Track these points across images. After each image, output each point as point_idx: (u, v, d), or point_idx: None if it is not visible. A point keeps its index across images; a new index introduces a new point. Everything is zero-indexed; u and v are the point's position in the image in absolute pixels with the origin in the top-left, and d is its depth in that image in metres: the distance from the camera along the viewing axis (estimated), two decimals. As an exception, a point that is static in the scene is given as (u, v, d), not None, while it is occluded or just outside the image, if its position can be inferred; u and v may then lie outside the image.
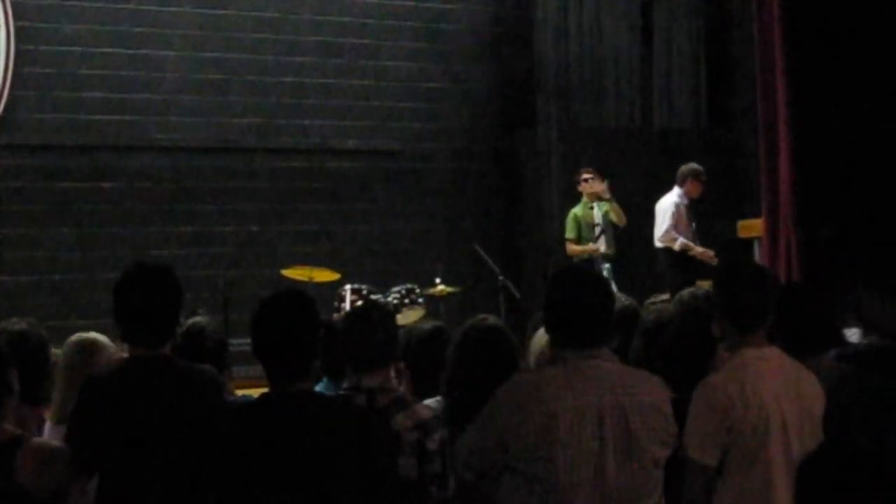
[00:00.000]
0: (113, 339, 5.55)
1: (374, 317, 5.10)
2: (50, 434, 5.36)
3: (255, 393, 4.93)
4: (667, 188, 13.09)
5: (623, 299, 7.00)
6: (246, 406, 4.69)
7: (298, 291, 4.53)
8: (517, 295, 12.89)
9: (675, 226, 12.79)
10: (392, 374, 5.12)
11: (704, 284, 7.80)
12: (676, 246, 12.66)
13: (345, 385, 5.00)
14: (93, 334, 5.85)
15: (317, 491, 4.10)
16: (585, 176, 13.26)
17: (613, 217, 13.13)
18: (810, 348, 5.40)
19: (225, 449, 4.23)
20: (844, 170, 10.11)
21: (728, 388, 4.78)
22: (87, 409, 4.64)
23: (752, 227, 12.26)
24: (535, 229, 15.18)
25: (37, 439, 4.67)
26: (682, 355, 5.42)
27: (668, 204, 12.93)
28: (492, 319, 5.48)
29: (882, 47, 10.01)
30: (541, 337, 5.75)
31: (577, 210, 13.30)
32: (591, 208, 13.19)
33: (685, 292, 7.06)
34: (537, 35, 15.22)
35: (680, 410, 4.64)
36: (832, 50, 10.12)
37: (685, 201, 12.89)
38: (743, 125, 14.95)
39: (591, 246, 13.09)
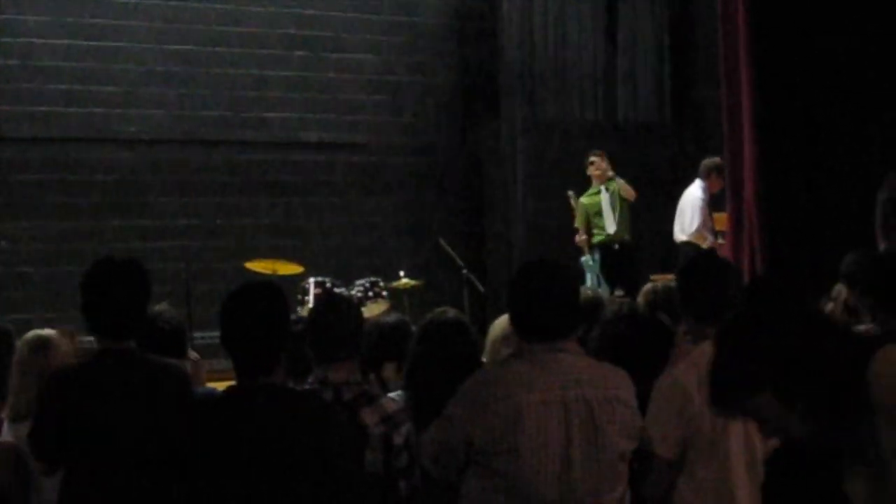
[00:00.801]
0: (80, 331, 5.53)
1: (341, 309, 5.07)
2: (7, 433, 5.32)
3: (220, 386, 4.91)
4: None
5: (588, 291, 7.03)
6: (212, 399, 4.67)
7: (268, 283, 4.48)
8: (481, 288, 12.90)
9: (704, 222, 12.49)
10: (357, 367, 5.10)
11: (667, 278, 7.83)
12: (706, 244, 12.38)
13: (310, 379, 4.97)
14: (47, 331, 5.83)
15: (282, 485, 4.08)
16: (592, 158, 13.16)
17: (623, 194, 13.07)
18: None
19: (191, 442, 4.20)
20: (808, 161, 10.14)
21: (687, 382, 4.78)
22: (53, 403, 4.63)
23: (716, 221, 12.28)
24: (500, 223, 15.18)
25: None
26: (643, 347, 5.43)
27: (693, 198, 12.54)
28: (452, 313, 5.49)
29: (844, 37, 10.05)
30: (497, 325, 5.76)
31: (583, 198, 13.26)
32: (598, 193, 13.14)
33: (648, 286, 7.11)
34: (502, 29, 15.20)
35: (641, 403, 4.65)
36: (795, 41, 10.15)
37: (708, 196, 12.59)
38: (707, 118, 14.97)
39: (581, 237, 13.08)
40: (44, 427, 4.62)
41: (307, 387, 4.93)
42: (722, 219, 11.77)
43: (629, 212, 13.12)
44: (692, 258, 7.76)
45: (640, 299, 6.90)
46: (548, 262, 4.56)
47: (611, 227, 12.99)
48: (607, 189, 13.03)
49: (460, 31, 15.42)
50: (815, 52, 10.08)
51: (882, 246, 9.48)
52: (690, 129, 15.71)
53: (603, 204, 13.05)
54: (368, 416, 4.83)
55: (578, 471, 4.28)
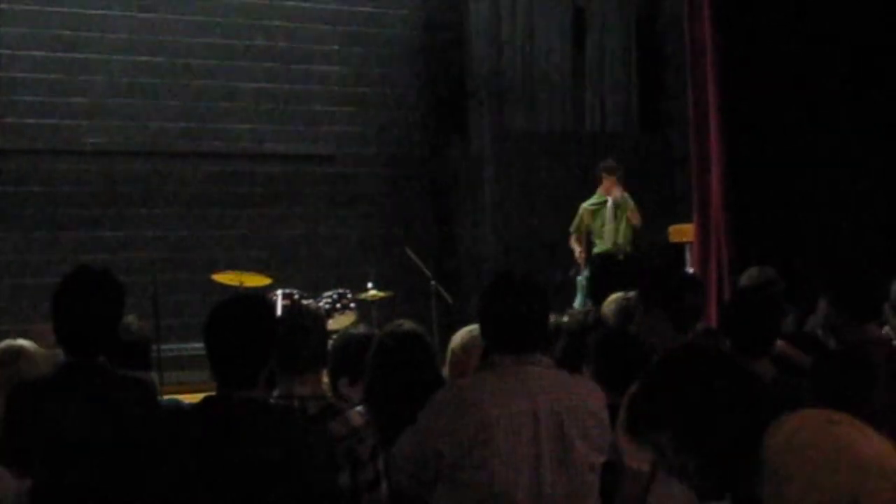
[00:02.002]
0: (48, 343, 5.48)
1: (307, 322, 5.05)
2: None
3: (187, 398, 4.89)
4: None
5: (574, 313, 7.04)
6: (184, 410, 4.64)
7: (257, 297, 4.49)
8: (449, 299, 12.89)
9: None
10: (323, 380, 5.09)
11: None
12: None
13: (276, 393, 4.95)
14: (20, 342, 5.77)
15: (254, 498, 4.06)
16: (607, 173, 13.15)
17: (629, 214, 13.05)
18: (758, 351, 5.44)
19: (161, 454, 4.17)
20: (776, 171, 10.17)
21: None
22: (17, 416, 4.59)
23: (683, 232, 12.31)
24: (468, 234, 15.18)
25: None
26: (614, 359, 5.43)
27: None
28: (408, 325, 5.47)
29: (811, 47, 10.09)
30: (456, 337, 5.75)
31: (585, 203, 13.27)
32: (604, 202, 13.12)
33: (618, 296, 7.10)
34: (470, 40, 15.23)
35: (613, 415, 4.64)
36: (763, 54, 10.18)
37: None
38: (675, 129, 15.03)
39: (575, 249, 13.07)
40: (8, 440, 4.58)
41: (272, 401, 4.90)
42: (687, 229, 11.81)
43: (631, 228, 13.13)
44: (666, 267, 7.80)
45: (610, 310, 6.90)
46: (518, 276, 4.56)
47: (610, 238, 12.99)
48: (615, 202, 13.02)
49: (429, 43, 15.42)
50: (782, 63, 10.12)
51: None
52: (658, 138, 15.76)
53: (608, 213, 13.04)
54: (335, 430, 4.81)
55: (549, 483, 4.27)
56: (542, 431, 4.28)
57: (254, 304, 4.33)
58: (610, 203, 13.05)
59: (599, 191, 13.26)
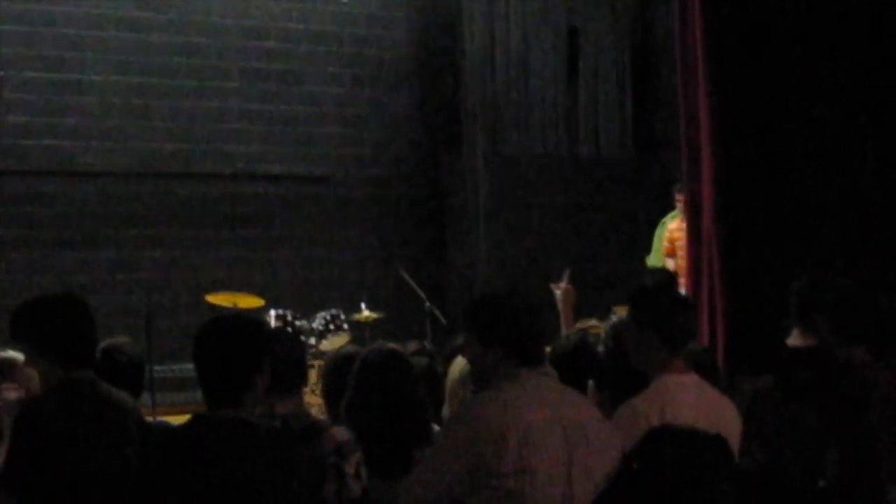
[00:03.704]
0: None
1: (286, 341, 5.12)
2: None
3: (177, 420, 4.90)
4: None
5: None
6: (173, 429, 4.66)
7: (244, 316, 4.55)
8: (443, 320, 12.87)
9: None
10: (304, 399, 5.14)
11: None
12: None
13: (257, 412, 4.96)
14: (10, 353, 5.78)
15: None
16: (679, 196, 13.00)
17: None
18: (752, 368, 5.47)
19: (151, 471, 4.19)
20: (767, 198, 10.17)
21: (648, 413, 4.80)
22: (26, 438, 4.63)
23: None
24: (461, 255, 15.18)
25: None
26: (614, 380, 5.45)
27: None
28: (389, 345, 5.58)
29: (803, 67, 10.10)
30: (454, 368, 5.81)
31: (665, 218, 12.99)
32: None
33: (616, 319, 7.09)
34: (463, 61, 15.23)
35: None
36: (754, 76, 10.19)
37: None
38: (669, 153, 15.01)
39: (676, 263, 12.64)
40: (16, 463, 4.62)
41: (253, 420, 4.92)
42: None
43: None
44: (658, 286, 7.80)
45: (607, 331, 6.87)
46: (518, 290, 4.66)
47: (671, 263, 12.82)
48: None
49: (423, 64, 15.44)
50: (774, 84, 10.12)
51: None
52: (653, 162, 15.76)
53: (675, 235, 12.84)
54: (319, 447, 4.86)
55: (580, 491, 4.30)
56: (569, 437, 4.33)
57: (239, 323, 4.35)
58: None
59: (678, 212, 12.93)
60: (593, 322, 11.21)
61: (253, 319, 4.46)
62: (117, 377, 5.33)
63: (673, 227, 12.69)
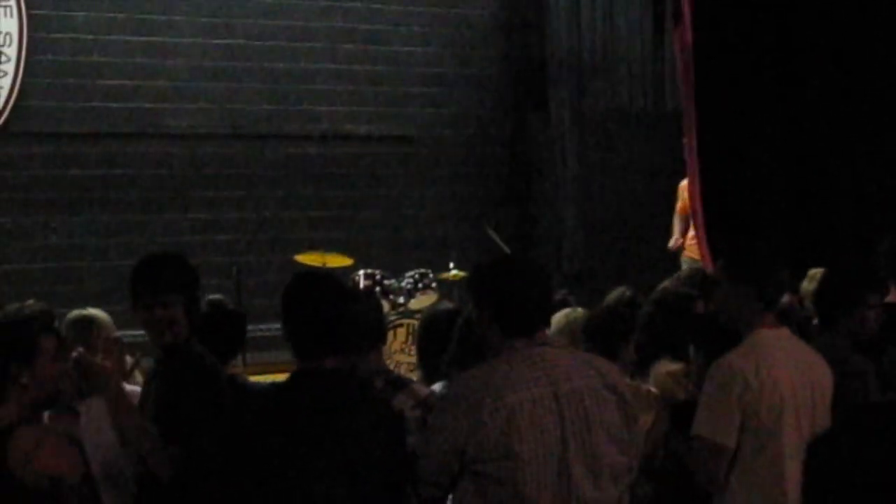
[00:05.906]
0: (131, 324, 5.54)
1: (364, 299, 5.19)
2: (47, 419, 5.31)
3: (268, 379, 4.97)
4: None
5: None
6: (274, 386, 4.73)
7: (327, 274, 4.60)
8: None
9: None
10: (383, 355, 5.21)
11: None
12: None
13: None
14: (91, 311, 5.84)
15: (347, 472, 4.12)
16: None
17: None
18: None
19: (254, 430, 4.25)
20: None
21: (743, 368, 4.76)
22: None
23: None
24: (549, 213, 15.15)
25: (25, 427, 4.50)
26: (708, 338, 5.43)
27: None
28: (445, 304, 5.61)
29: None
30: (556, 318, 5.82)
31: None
32: None
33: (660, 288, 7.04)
34: (549, 18, 15.15)
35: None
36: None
37: None
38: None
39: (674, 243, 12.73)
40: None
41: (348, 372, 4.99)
42: None
43: None
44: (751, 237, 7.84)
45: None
46: (519, 259, 4.63)
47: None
48: None
49: (508, 22, 15.39)
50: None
51: None
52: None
53: None
54: (402, 402, 4.95)
55: (579, 471, 4.15)
56: (564, 413, 4.16)
57: (326, 279, 4.42)
58: None
59: None
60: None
61: (332, 275, 4.52)
62: (222, 331, 5.43)
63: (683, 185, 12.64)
